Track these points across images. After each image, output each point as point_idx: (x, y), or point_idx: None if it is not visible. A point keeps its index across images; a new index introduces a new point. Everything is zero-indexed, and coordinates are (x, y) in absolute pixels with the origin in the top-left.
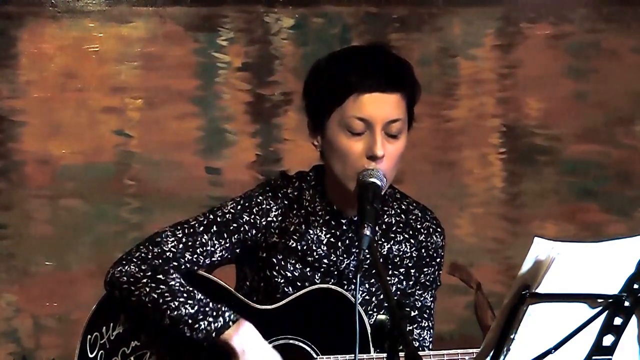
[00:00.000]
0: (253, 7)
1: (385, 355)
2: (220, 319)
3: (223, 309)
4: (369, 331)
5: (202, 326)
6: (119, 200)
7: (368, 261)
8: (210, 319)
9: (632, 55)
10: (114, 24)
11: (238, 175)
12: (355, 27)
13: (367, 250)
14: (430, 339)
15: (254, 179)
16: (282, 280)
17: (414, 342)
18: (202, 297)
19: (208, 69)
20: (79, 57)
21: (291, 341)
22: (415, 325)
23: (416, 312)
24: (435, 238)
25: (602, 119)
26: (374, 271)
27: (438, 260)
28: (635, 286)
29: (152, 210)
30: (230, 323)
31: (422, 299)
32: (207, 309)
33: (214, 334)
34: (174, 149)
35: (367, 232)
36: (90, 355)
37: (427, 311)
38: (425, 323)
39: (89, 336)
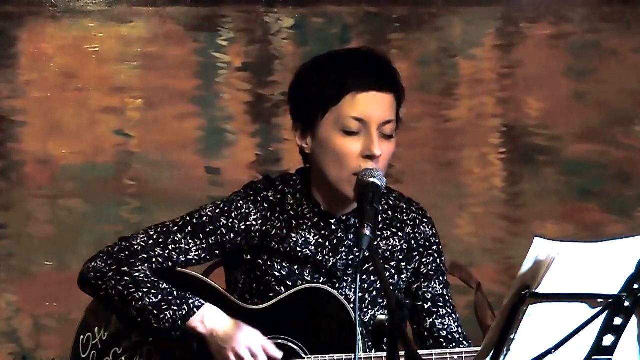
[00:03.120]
0: (253, 7)
1: (384, 354)
2: (185, 306)
3: (187, 296)
4: (357, 331)
5: (168, 315)
6: (119, 200)
7: (360, 260)
8: (175, 308)
9: (632, 55)
10: (114, 24)
11: (238, 175)
12: (355, 27)
13: (365, 250)
14: (456, 324)
15: (253, 179)
16: (272, 280)
17: (441, 332)
18: (167, 287)
19: (208, 69)
20: (79, 57)
21: (280, 341)
22: (434, 317)
23: (429, 304)
24: (423, 228)
25: (602, 119)
26: (365, 267)
27: (434, 248)
28: (635, 286)
29: (152, 210)
30: (195, 310)
31: (430, 289)
32: (170, 297)
33: (179, 322)
34: (174, 149)
35: (367, 232)
36: (83, 356)
37: (441, 299)
38: (442, 311)
39: (82, 336)
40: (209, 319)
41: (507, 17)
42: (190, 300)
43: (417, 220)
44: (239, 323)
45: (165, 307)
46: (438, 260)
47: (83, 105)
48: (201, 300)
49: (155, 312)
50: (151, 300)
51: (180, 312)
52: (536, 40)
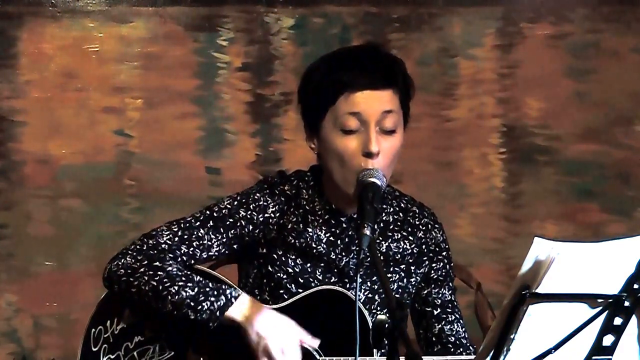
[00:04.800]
0: (253, 7)
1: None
2: (222, 297)
3: (223, 287)
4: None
5: (205, 307)
6: (119, 200)
7: (369, 260)
8: (212, 299)
9: (632, 55)
10: (114, 24)
11: (238, 175)
12: (355, 27)
13: (366, 250)
14: (463, 329)
15: (254, 179)
16: (284, 276)
17: (450, 338)
18: (201, 279)
19: (208, 69)
20: (79, 57)
21: None
22: (443, 323)
23: (439, 310)
24: (434, 234)
25: (602, 119)
26: (375, 270)
27: (444, 254)
28: (635, 286)
29: (152, 210)
30: (233, 300)
31: (440, 295)
32: (207, 289)
33: (217, 313)
34: (174, 149)
35: (367, 231)
36: (94, 349)
37: (450, 305)
38: (451, 317)
39: (93, 330)
40: (248, 309)
41: (507, 17)
42: (228, 291)
43: (429, 226)
44: (276, 314)
45: (203, 298)
46: (448, 267)
47: (83, 105)
48: (238, 290)
49: (192, 304)
50: (188, 294)
51: (219, 303)
52: (536, 40)
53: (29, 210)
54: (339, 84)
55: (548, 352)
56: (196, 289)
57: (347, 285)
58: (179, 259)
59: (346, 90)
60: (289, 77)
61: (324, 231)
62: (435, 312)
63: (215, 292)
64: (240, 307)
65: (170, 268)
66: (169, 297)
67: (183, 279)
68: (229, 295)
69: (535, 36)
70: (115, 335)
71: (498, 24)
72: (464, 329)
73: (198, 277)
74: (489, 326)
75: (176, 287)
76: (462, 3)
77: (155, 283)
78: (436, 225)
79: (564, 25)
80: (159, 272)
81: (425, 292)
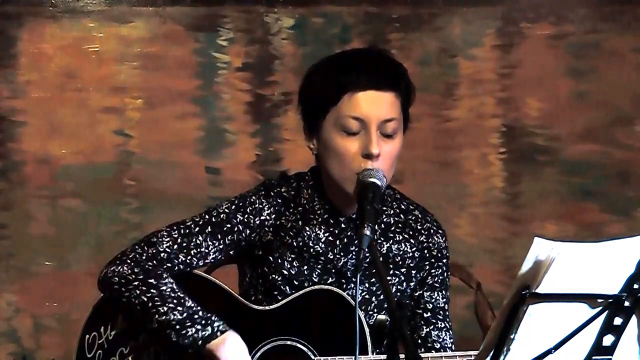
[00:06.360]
0: (253, 7)
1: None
2: (209, 327)
3: (213, 318)
4: (367, 332)
5: (189, 333)
6: (119, 200)
7: (368, 261)
8: (199, 327)
9: (632, 55)
10: (114, 24)
11: (238, 175)
12: (355, 27)
13: (366, 250)
14: (451, 340)
15: (254, 179)
16: (279, 278)
17: (435, 345)
18: (193, 305)
19: (208, 69)
20: (79, 57)
21: (289, 342)
22: (431, 327)
23: (429, 314)
24: (437, 239)
25: (602, 119)
26: (374, 270)
27: (444, 261)
28: (635, 286)
29: (152, 210)
30: (219, 333)
31: (433, 300)
32: (196, 316)
33: (200, 342)
34: (174, 149)
35: (367, 232)
36: (89, 355)
37: (441, 312)
38: (441, 324)
39: (87, 336)
40: (229, 347)
41: (507, 17)
42: (215, 323)
43: (432, 230)
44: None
45: (189, 324)
46: (445, 274)
47: (83, 105)
48: (226, 326)
49: (177, 327)
50: (175, 317)
51: (203, 333)
52: (536, 40)
53: (29, 210)
54: (343, 83)
55: (548, 352)
56: (185, 314)
57: (345, 286)
58: (176, 269)
59: (349, 89)
60: (289, 77)
61: (322, 230)
62: (425, 315)
63: (203, 322)
64: (223, 343)
65: (164, 287)
66: (156, 316)
67: (174, 301)
68: (215, 328)
69: (535, 36)
70: (110, 340)
71: (498, 24)
72: (451, 340)
73: (190, 303)
74: (489, 326)
75: (165, 308)
76: (462, 3)
77: (145, 299)
78: (439, 231)
79: (564, 25)
80: (152, 290)
81: (418, 293)
